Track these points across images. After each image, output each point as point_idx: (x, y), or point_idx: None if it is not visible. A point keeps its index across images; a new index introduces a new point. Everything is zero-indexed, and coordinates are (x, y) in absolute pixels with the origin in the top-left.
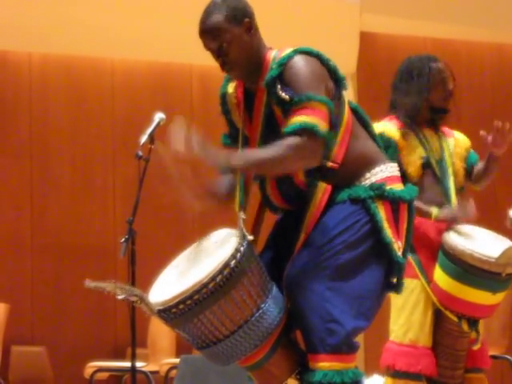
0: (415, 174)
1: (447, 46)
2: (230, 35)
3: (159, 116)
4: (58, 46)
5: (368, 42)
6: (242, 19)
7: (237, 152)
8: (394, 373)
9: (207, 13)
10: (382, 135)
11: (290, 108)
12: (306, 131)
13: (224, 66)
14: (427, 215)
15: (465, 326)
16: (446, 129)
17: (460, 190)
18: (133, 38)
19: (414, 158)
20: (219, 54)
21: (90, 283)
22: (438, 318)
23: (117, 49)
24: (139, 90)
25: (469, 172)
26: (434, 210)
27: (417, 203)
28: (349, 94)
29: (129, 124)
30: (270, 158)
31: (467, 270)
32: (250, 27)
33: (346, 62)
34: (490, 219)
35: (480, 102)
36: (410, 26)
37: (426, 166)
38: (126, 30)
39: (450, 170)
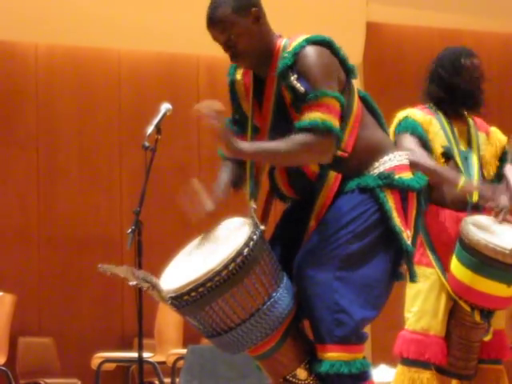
0: (436, 161)
1: (454, 37)
2: (238, 27)
3: (166, 106)
4: (65, 37)
5: (374, 32)
6: (249, 9)
7: (248, 142)
8: (403, 360)
9: (214, 5)
10: (406, 119)
11: (303, 101)
12: (319, 128)
13: (234, 57)
14: (454, 182)
15: (477, 317)
16: (481, 122)
17: (491, 183)
18: (139, 29)
19: (436, 146)
20: (228, 46)
21: (102, 266)
22: (453, 307)
23: (123, 40)
24: (146, 81)
25: (501, 172)
26: (462, 180)
27: (445, 171)
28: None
29: (135, 115)
30: (282, 152)
31: (482, 260)
32: (258, 16)
33: (352, 52)
34: None
35: (487, 93)
36: (416, 16)
37: (447, 155)
38: (132, 21)
39: (475, 162)
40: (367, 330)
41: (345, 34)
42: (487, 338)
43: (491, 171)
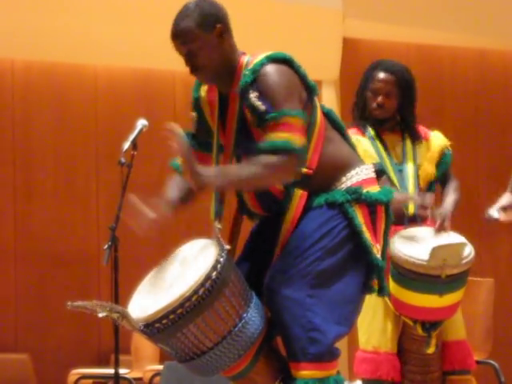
0: None
1: (430, 52)
2: (200, 42)
3: (142, 122)
4: (41, 53)
5: (351, 48)
6: (214, 25)
7: (212, 168)
8: (362, 380)
9: (179, 17)
10: None
11: (265, 121)
12: (280, 148)
13: (193, 70)
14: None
15: (419, 330)
16: (423, 130)
17: (427, 191)
18: (116, 45)
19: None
20: (188, 59)
21: (72, 304)
22: (403, 322)
23: (100, 55)
24: (122, 97)
25: (439, 177)
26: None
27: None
28: (332, 100)
29: (112, 130)
30: (247, 176)
31: (405, 274)
32: (222, 32)
33: (329, 68)
34: (471, 214)
35: (463, 108)
36: (393, 32)
37: (380, 172)
38: (108, 37)
39: (411, 174)
40: (343, 345)
41: (321, 49)
42: (430, 351)
43: (427, 180)
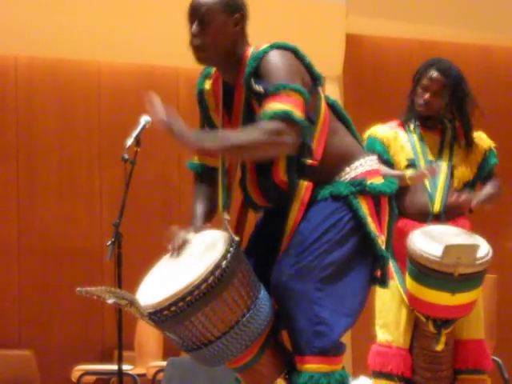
0: None
1: (433, 48)
2: (217, 21)
3: (145, 119)
4: (45, 49)
5: (354, 44)
6: (235, 11)
7: (209, 132)
8: (373, 373)
9: None
10: (368, 137)
11: (265, 97)
12: (280, 117)
13: (197, 48)
14: (401, 179)
15: (431, 327)
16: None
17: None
18: (119, 41)
19: (401, 159)
20: (197, 34)
21: (81, 290)
22: (416, 318)
23: (103, 52)
24: (126, 93)
25: (481, 177)
26: (407, 172)
27: (389, 170)
28: (335, 96)
29: (115, 127)
30: (246, 140)
31: (420, 270)
32: (239, 22)
33: (332, 65)
34: (475, 211)
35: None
36: (396, 28)
37: (412, 167)
38: (112, 33)
39: (444, 171)
40: (347, 341)
41: (324, 45)
42: (439, 348)
43: (464, 179)
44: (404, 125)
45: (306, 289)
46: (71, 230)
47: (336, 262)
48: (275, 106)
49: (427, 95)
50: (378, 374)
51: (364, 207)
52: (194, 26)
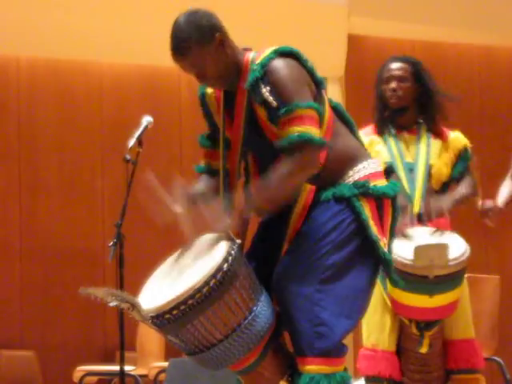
0: None
1: (436, 49)
2: (203, 55)
3: (147, 119)
4: (46, 50)
5: (356, 45)
6: (213, 36)
7: (242, 195)
8: (364, 377)
9: (175, 39)
10: None
11: (278, 118)
12: (297, 143)
13: (200, 81)
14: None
15: (413, 329)
16: (443, 129)
17: (440, 191)
18: (121, 42)
19: None
20: (194, 73)
21: (83, 290)
22: (401, 321)
23: (105, 52)
24: (127, 94)
25: (456, 176)
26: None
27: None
28: (337, 97)
29: (117, 127)
30: (278, 184)
31: (397, 273)
32: (222, 40)
33: (334, 65)
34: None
35: (468, 105)
36: (398, 29)
37: (390, 171)
38: (114, 34)
39: (421, 173)
40: (349, 342)
41: (326, 46)
42: (423, 351)
43: (439, 180)
44: (379, 129)
45: (306, 290)
46: (73, 231)
47: (337, 263)
48: (294, 130)
49: (393, 83)
50: (367, 379)
51: (366, 209)
52: (188, 70)
